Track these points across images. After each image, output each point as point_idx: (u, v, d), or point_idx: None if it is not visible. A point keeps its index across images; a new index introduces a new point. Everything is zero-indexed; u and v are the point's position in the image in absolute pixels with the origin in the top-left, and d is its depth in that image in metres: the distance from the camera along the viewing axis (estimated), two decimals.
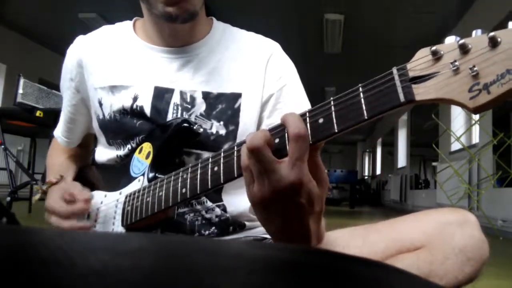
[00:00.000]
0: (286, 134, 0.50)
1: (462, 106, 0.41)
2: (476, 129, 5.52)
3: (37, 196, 0.92)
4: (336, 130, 0.48)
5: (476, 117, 4.53)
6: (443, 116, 6.36)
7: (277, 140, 0.52)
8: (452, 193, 4.89)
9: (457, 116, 6.03)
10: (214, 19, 0.94)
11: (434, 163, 8.75)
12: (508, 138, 4.29)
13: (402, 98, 0.44)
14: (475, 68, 0.40)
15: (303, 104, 0.89)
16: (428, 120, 8.25)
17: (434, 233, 0.65)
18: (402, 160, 10.95)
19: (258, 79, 0.87)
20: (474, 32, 0.42)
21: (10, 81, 6.01)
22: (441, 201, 5.91)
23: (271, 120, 0.87)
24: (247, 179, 0.52)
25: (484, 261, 0.64)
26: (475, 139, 5.69)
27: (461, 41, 0.42)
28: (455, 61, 0.42)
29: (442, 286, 0.40)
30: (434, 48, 0.43)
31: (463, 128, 5.40)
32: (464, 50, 0.41)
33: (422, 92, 0.43)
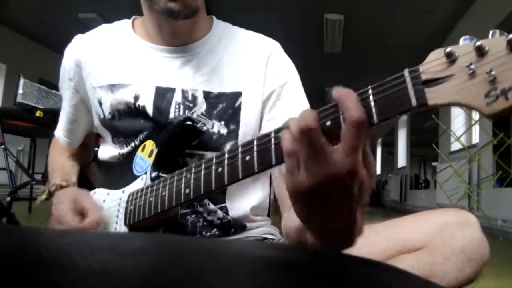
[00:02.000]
0: (341, 117, 0.45)
1: (478, 111, 0.39)
2: (476, 129, 5.52)
3: (43, 197, 0.91)
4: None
5: (476, 117, 4.53)
6: (443, 116, 6.36)
7: (328, 123, 0.46)
8: (452, 193, 4.89)
9: (457, 116, 6.02)
10: (214, 18, 0.94)
11: (434, 163, 8.75)
12: (508, 138, 4.29)
13: (414, 102, 0.42)
14: (492, 73, 0.38)
15: (303, 101, 0.89)
16: (428, 120, 8.26)
17: (434, 234, 0.65)
18: (402, 160, 10.95)
19: (259, 78, 0.87)
20: (490, 33, 0.40)
21: (10, 81, 6.01)
22: (441, 201, 5.91)
23: (271, 115, 0.87)
24: (291, 167, 0.45)
25: (484, 261, 0.64)
26: (475, 139, 5.69)
27: (478, 43, 0.39)
28: (471, 64, 0.40)
29: (442, 287, 0.39)
30: (448, 49, 0.41)
31: (463, 128, 5.40)
32: (480, 52, 0.39)
33: (435, 96, 0.41)
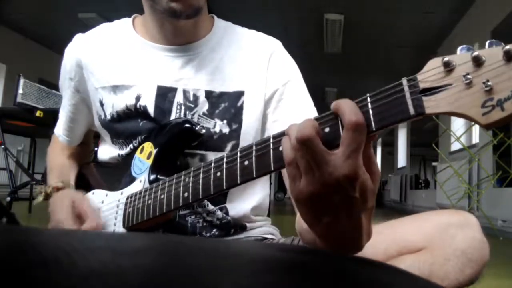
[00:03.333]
0: (340, 123, 0.45)
1: (474, 121, 0.40)
2: (476, 129, 5.52)
3: (40, 198, 0.91)
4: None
5: None
6: (443, 116, 6.32)
7: (327, 130, 0.47)
8: (452, 193, 4.88)
9: None
10: (215, 17, 0.93)
11: (434, 163, 8.75)
12: (508, 138, 4.29)
13: (412, 110, 0.42)
14: (488, 83, 0.39)
15: (306, 102, 0.89)
16: (428, 120, 8.26)
17: (435, 235, 0.65)
18: (402, 160, 10.95)
19: (261, 77, 0.87)
20: (487, 44, 0.41)
21: (10, 81, 6.01)
22: (441, 201, 5.91)
23: (276, 117, 0.87)
24: (292, 174, 0.46)
25: (485, 262, 0.64)
26: (475, 139, 5.69)
27: (475, 53, 0.40)
28: (468, 74, 0.40)
29: (442, 287, 0.39)
30: (446, 59, 0.42)
31: (463, 128, 5.40)
32: (477, 62, 0.40)
33: (433, 105, 0.42)
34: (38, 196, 0.91)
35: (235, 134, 0.84)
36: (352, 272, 0.23)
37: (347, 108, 0.44)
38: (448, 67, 0.41)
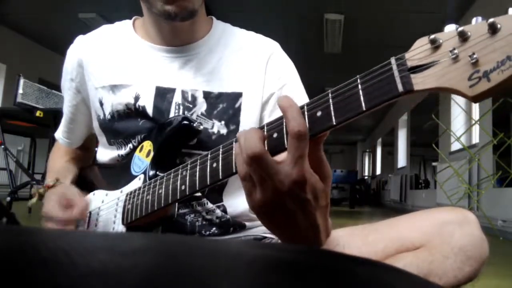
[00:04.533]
0: (285, 128, 0.48)
1: (462, 94, 0.40)
2: (476, 129, 5.52)
3: (34, 200, 0.91)
4: (334, 123, 0.47)
5: (476, 117, 4.52)
6: (443, 116, 6.36)
7: (275, 135, 0.50)
8: (452, 193, 4.89)
9: (457, 116, 6.02)
10: (214, 18, 0.94)
11: (434, 163, 8.75)
12: (508, 138, 4.29)
13: (400, 88, 0.43)
14: (474, 56, 0.39)
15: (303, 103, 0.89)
16: (428, 120, 8.25)
17: (433, 233, 0.65)
18: (402, 160, 10.95)
19: (259, 79, 0.87)
20: (474, 20, 0.41)
21: (10, 81, 6.01)
22: (441, 201, 5.90)
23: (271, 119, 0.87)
24: (247, 187, 0.50)
25: (484, 260, 0.64)
26: (475, 139, 5.69)
27: (460, 29, 0.40)
28: (454, 49, 0.41)
29: (441, 286, 0.40)
30: (432, 36, 0.42)
31: (463, 128, 5.40)
32: (463, 37, 0.40)
33: (420, 82, 0.42)
34: (33, 198, 0.91)
35: (233, 135, 0.85)
36: (351, 271, 0.23)
37: (290, 116, 0.46)
38: (435, 44, 0.42)
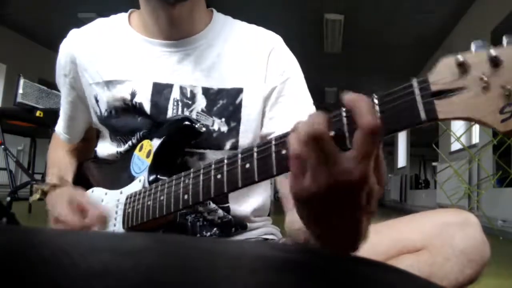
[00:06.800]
0: (347, 123, 0.42)
1: (492, 128, 0.37)
2: (476, 129, 5.52)
3: (36, 196, 0.90)
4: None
5: None
6: None
7: (338, 128, 0.43)
8: (452, 193, 4.88)
9: None
10: (214, 10, 0.91)
11: (434, 163, 8.75)
12: (508, 138, 4.29)
13: (423, 116, 0.39)
14: (508, 87, 0.36)
15: (304, 99, 0.87)
16: None
17: (434, 235, 0.64)
18: (402, 160, 10.95)
19: (260, 74, 0.85)
20: (505, 41, 0.37)
21: (10, 81, 6.01)
22: (441, 201, 5.90)
23: (273, 114, 0.85)
24: (296, 170, 0.43)
25: (485, 262, 0.63)
26: (475, 139, 5.69)
27: (493, 54, 0.36)
28: (484, 76, 0.37)
29: (442, 286, 0.39)
30: (461, 59, 0.38)
31: (463, 128, 5.39)
32: (495, 63, 0.36)
33: (445, 110, 0.38)
34: (35, 194, 0.90)
35: (234, 132, 0.83)
36: (353, 272, 0.23)
37: (364, 109, 0.40)
38: (463, 68, 0.38)
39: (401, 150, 11.00)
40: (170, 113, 0.82)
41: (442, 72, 0.39)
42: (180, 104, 0.82)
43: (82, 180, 0.93)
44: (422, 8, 5.58)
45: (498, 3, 4.77)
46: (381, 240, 0.68)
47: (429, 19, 5.90)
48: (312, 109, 0.87)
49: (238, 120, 0.83)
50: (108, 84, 0.84)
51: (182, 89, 0.83)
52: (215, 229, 0.84)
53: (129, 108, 0.83)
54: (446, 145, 6.33)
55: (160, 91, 0.82)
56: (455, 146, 5.99)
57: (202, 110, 0.82)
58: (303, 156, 0.42)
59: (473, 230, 0.64)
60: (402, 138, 10.91)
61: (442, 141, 6.25)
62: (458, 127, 5.59)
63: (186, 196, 0.62)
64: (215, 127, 0.82)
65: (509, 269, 2.41)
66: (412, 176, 10.13)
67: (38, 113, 3.38)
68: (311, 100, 0.88)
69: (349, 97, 0.41)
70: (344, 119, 0.43)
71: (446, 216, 0.67)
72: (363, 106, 0.40)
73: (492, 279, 2.00)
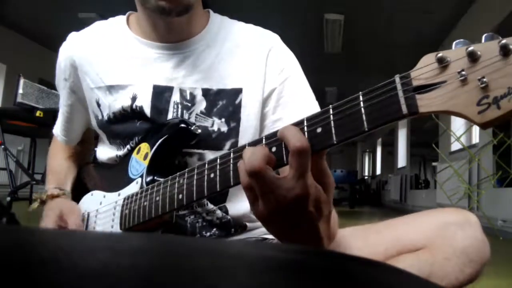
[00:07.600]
0: (284, 147, 0.49)
1: (470, 120, 0.38)
2: (476, 129, 5.52)
3: (35, 205, 0.91)
4: (335, 142, 0.46)
5: None
6: (443, 116, 6.35)
7: (274, 149, 0.50)
8: (452, 193, 4.88)
9: None
10: (211, 11, 0.91)
11: (434, 163, 8.75)
12: (508, 138, 4.29)
13: (404, 109, 0.41)
14: (484, 79, 0.37)
15: (307, 97, 0.87)
16: (428, 120, 8.25)
17: (435, 234, 0.65)
18: (402, 160, 10.95)
19: (259, 73, 0.85)
20: (484, 37, 0.38)
21: (10, 81, 6.01)
22: (441, 201, 5.90)
23: (276, 116, 0.85)
24: (250, 198, 0.51)
25: (485, 262, 0.64)
26: (475, 139, 5.69)
27: (470, 49, 0.38)
28: (462, 70, 0.38)
29: (442, 287, 0.39)
30: (440, 55, 0.40)
31: (463, 128, 5.40)
32: (472, 58, 0.38)
33: (426, 104, 0.40)
34: (34, 202, 0.92)
35: (234, 132, 0.83)
36: (352, 272, 0.23)
37: (290, 135, 0.47)
38: (442, 63, 0.40)
39: (401, 150, 11.00)
40: (170, 116, 0.83)
41: (423, 68, 0.41)
42: (180, 106, 0.83)
43: (82, 184, 0.94)
44: (422, 8, 5.58)
45: (498, 4, 4.77)
46: (382, 240, 0.69)
47: (429, 19, 5.90)
48: (315, 104, 0.87)
49: (237, 120, 0.83)
50: (110, 89, 0.85)
51: (182, 91, 0.83)
52: (214, 229, 0.84)
53: (129, 113, 0.84)
54: (446, 145, 6.33)
55: (160, 94, 0.83)
56: (455, 146, 5.99)
57: (202, 112, 0.83)
58: (251, 186, 0.49)
59: (473, 229, 0.64)
60: (402, 138, 10.91)
61: (442, 141, 6.25)
62: (458, 127, 5.59)
63: (180, 196, 0.64)
64: (215, 128, 0.82)
65: (508, 269, 2.41)
66: (412, 176, 10.12)
67: (38, 113, 3.38)
68: (313, 96, 0.88)
69: (280, 130, 0.49)
70: (278, 141, 0.50)
71: (446, 215, 0.67)
72: (290, 133, 0.46)
73: (491, 279, 2.00)
